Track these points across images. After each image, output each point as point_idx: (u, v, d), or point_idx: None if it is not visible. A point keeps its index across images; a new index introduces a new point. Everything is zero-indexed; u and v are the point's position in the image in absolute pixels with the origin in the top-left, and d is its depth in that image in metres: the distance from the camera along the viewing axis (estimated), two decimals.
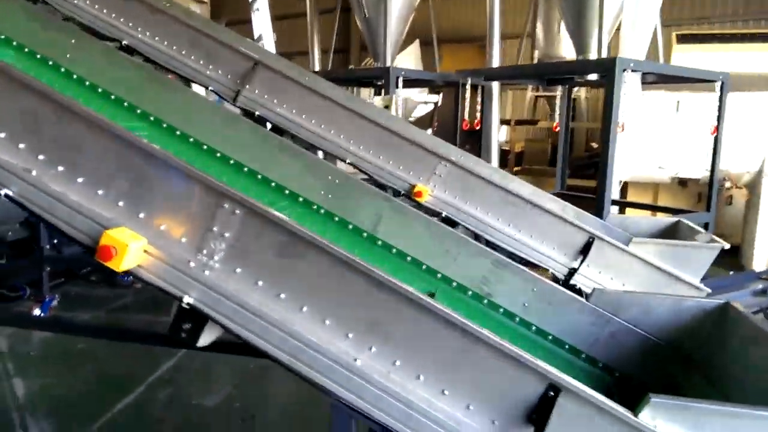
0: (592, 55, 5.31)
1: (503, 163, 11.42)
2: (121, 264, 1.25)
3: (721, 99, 5.09)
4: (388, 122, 3.92)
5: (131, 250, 1.25)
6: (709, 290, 2.96)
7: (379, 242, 2.12)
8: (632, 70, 4.20)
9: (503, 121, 9.87)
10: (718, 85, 5.05)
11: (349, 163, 3.14)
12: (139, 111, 2.23)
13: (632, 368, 2.01)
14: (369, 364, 1.29)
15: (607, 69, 4.26)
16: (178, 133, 2.20)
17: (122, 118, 2.20)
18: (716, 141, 5.10)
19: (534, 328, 2.07)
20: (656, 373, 1.98)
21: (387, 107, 5.16)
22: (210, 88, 3.22)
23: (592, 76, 5.51)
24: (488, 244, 3.11)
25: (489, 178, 3.15)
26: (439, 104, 9.46)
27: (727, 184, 6.18)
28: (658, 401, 1.19)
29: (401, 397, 1.26)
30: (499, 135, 11.65)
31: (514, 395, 1.26)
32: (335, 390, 1.27)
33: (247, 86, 3.19)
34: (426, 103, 11.87)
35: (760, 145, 5.90)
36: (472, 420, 1.27)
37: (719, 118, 5.08)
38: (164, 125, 2.20)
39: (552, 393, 1.24)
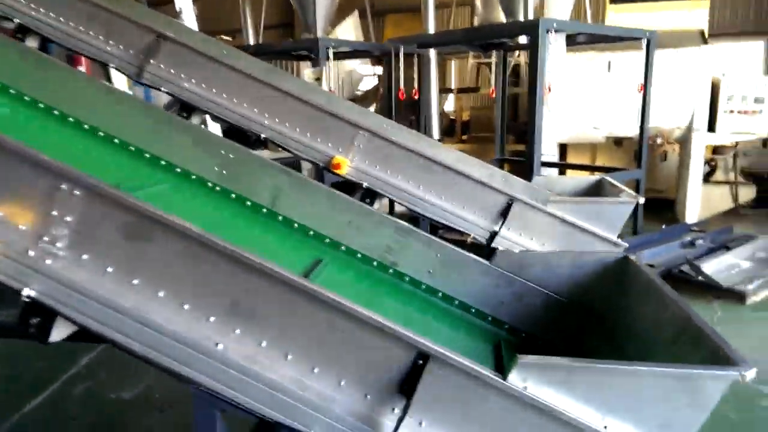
0: (520, 18, 5.28)
1: (450, 132, 11.41)
2: None
3: (647, 57, 5.14)
4: (307, 94, 3.81)
5: None
6: (626, 245, 3.00)
7: (280, 218, 2.04)
8: (556, 31, 4.18)
9: (444, 90, 9.80)
10: (644, 42, 5.10)
11: (264, 138, 3.03)
12: (12, 91, 2.06)
13: (538, 328, 2.01)
14: (233, 347, 1.22)
15: (532, 30, 4.23)
16: (56, 113, 2.04)
17: None
18: (645, 98, 5.17)
19: (440, 294, 2.04)
20: (561, 331, 1.98)
21: (318, 80, 5.02)
22: (111, 65, 3.04)
23: (524, 40, 5.48)
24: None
25: (410, 146, 3.08)
26: (381, 76, 9.34)
27: (659, 140, 6.31)
28: (526, 362, 1.17)
29: (267, 379, 1.20)
30: (444, 104, 11.64)
31: (384, 367, 1.22)
32: (196, 377, 1.20)
33: (152, 61, 3.01)
34: (373, 75, 11.71)
35: (689, 101, 6.02)
36: (344, 396, 1.22)
37: (646, 76, 5.14)
38: (40, 105, 2.04)
39: (421, 361, 1.20)
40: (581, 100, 6.07)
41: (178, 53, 3.04)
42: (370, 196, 3.09)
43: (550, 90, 4.27)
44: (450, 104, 12.34)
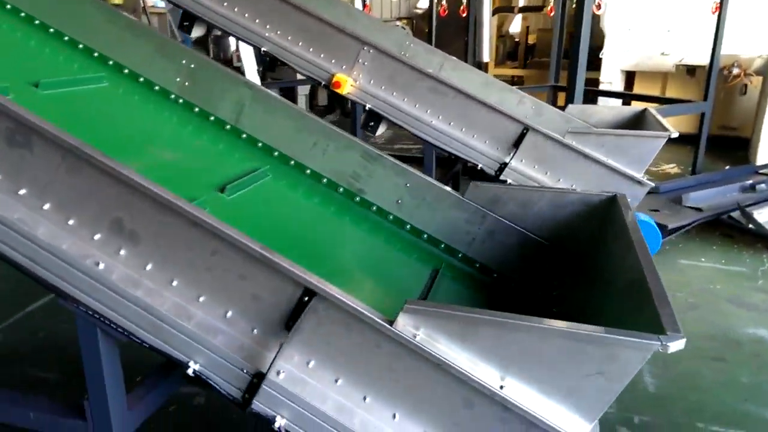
0: None
1: (513, 56, 10.70)
2: None
3: None
4: (320, 7, 3.58)
5: None
6: (651, 184, 2.69)
7: (244, 135, 1.92)
8: None
9: (503, 8, 9.07)
10: None
11: (264, 51, 2.88)
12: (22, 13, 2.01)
13: (512, 269, 1.84)
14: (115, 267, 1.15)
15: None
16: (22, 14, 1.97)
17: None
18: (719, 20, 4.54)
19: (409, 227, 1.89)
20: (537, 273, 1.81)
21: None
22: None
23: None
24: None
25: (418, 66, 2.84)
26: None
27: (735, 71, 5.58)
28: (415, 308, 1.03)
29: (147, 304, 1.13)
30: (508, 25, 10.84)
31: (272, 301, 1.12)
32: (75, 295, 1.15)
33: None
34: None
35: None
36: (230, 328, 1.14)
37: None
38: (7, 6, 1.97)
39: (306, 298, 1.08)
40: (648, 20, 5.42)
41: None
42: (373, 118, 2.92)
43: (599, 7, 3.79)
44: (516, 25, 11.50)
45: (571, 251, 1.75)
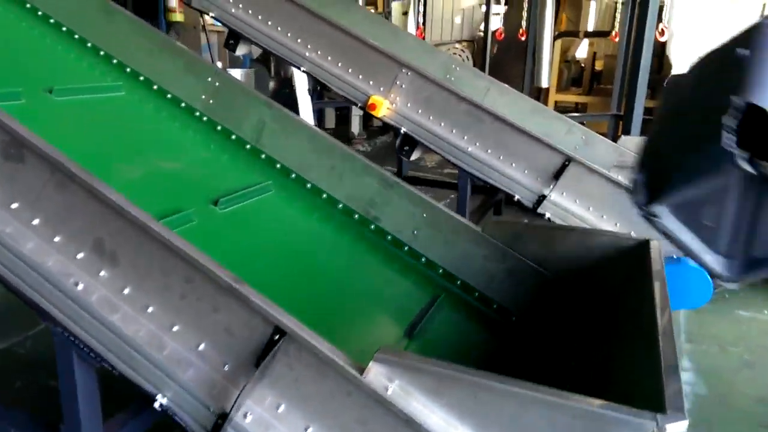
0: None
1: (578, 82, 10.39)
2: None
3: None
4: (368, 28, 3.57)
5: None
6: None
7: (263, 156, 1.89)
8: None
9: (566, 33, 8.83)
10: None
11: (303, 71, 2.88)
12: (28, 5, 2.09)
13: (532, 312, 1.71)
14: (93, 289, 1.12)
15: None
16: (64, 29, 2.04)
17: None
18: None
19: (423, 259, 1.80)
20: (559, 318, 1.66)
21: (405, 14, 4.70)
22: None
23: None
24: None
25: (456, 90, 2.76)
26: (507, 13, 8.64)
27: None
28: (386, 358, 0.93)
29: (122, 330, 1.09)
30: (575, 50, 10.54)
31: (243, 335, 1.05)
32: (54, 315, 1.12)
33: None
34: (496, 14, 10.94)
35: None
36: (201, 361, 1.08)
37: None
38: (51, 20, 2.04)
39: (277, 336, 1.01)
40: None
41: None
42: (408, 143, 2.85)
43: (662, 33, 3.58)
44: (583, 50, 11.18)
45: (596, 298, 1.61)
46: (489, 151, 2.70)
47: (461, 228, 1.74)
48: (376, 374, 0.95)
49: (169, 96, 1.94)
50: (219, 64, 5.45)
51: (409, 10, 4.65)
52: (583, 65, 10.47)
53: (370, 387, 0.94)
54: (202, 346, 1.08)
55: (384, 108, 2.75)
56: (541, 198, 2.61)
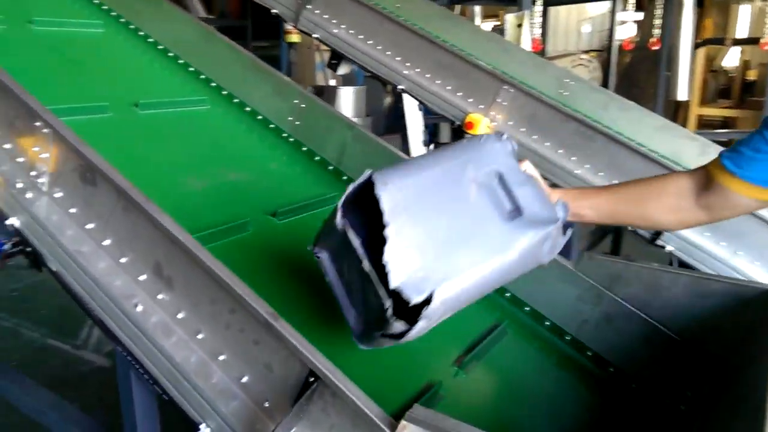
0: None
1: (726, 94, 9.36)
2: None
3: None
4: (475, 44, 3.45)
5: None
6: None
7: (345, 177, 1.86)
8: None
9: (709, 41, 7.95)
10: None
11: (401, 90, 2.83)
12: (114, 13, 2.27)
13: (634, 364, 1.49)
14: (151, 311, 1.13)
15: None
16: (161, 47, 2.18)
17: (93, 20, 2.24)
18: None
19: (509, 294, 1.65)
20: (666, 374, 1.43)
21: (519, 26, 4.49)
22: (273, 10, 3.15)
23: None
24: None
25: (562, 108, 2.56)
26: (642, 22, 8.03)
27: None
28: (418, 418, 0.82)
29: (173, 355, 1.09)
30: (722, 59, 9.51)
31: (281, 373, 1.00)
32: (118, 335, 1.15)
33: (308, 6, 3.03)
34: (629, 22, 10.24)
35: None
36: (244, 394, 1.04)
37: None
38: (140, 33, 2.20)
39: (312, 379, 0.95)
40: None
41: None
42: None
43: None
44: (733, 59, 10.05)
45: (710, 353, 1.36)
46: (600, 174, 2.46)
47: (551, 264, 1.57)
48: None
49: (259, 117, 1.98)
50: (333, 82, 5.63)
51: (523, 22, 4.44)
52: (732, 75, 9.42)
53: None
54: (245, 379, 1.04)
55: (483, 126, 2.61)
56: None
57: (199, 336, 1.09)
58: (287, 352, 0.97)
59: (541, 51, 6.12)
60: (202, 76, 2.10)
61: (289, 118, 1.94)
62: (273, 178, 1.78)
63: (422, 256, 0.94)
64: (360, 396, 0.89)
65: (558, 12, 9.26)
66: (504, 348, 1.56)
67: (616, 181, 2.44)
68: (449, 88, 2.74)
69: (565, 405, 1.47)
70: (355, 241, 1.01)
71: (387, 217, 0.94)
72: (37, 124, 1.25)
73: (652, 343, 1.45)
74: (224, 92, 2.07)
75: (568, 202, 1.19)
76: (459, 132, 2.74)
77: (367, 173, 1.00)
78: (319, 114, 1.89)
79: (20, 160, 1.31)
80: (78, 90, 1.85)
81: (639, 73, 8.04)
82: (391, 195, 0.96)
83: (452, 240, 0.99)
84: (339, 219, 1.03)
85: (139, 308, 1.13)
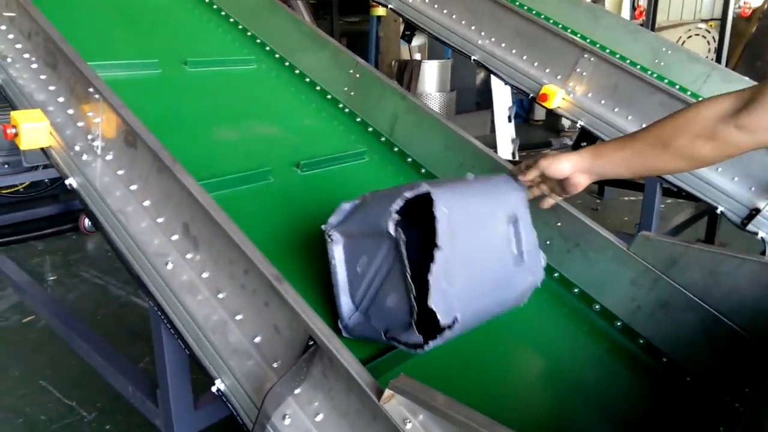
0: None
1: None
2: (21, 142, 1.40)
3: None
4: (557, 8, 3.25)
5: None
6: None
7: (396, 149, 1.82)
8: None
9: None
10: None
11: (474, 60, 2.73)
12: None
13: (690, 356, 1.35)
14: (179, 270, 1.18)
15: None
16: (222, 13, 2.26)
17: None
18: None
19: (557, 275, 1.55)
20: (726, 368, 1.29)
21: None
22: None
23: None
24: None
25: (646, 77, 2.34)
26: None
27: None
28: (401, 388, 0.80)
29: (196, 311, 1.14)
30: None
31: (286, 335, 1.01)
32: (150, 290, 1.22)
33: None
34: None
35: None
36: (257, 354, 1.07)
37: None
38: (232, 20, 2.27)
39: (312, 342, 0.95)
40: None
41: None
42: (587, 138, 2.52)
43: None
44: None
45: None
46: None
47: (604, 243, 1.45)
48: (395, 404, 0.82)
49: (318, 88, 2.00)
50: (418, 56, 5.55)
51: None
52: None
53: (387, 415, 0.81)
54: (257, 339, 1.07)
55: (558, 98, 2.46)
56: (754, 212, 2.09)
57: (220, 295, 1.13)
58: (290, 314, 0.98)
59: (646, 20, 5.64)
60: (267, 47, 2.15)
61: (345, 89, 1.93)
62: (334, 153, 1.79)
63: (456, 283, 1.02)
64: (352, 362, 0.88)
65: None
66: (549, 330, 1.48)
67: None
68: (525, 57, 2.61)
69: (614, 395, 1.37)
70: (404, 253, 1.05)
71: (440, 240, 0.99)
72: (90, 90, 1.33)
73: (710, 333, 1.30)
74: (286, 63, 2.11)
75: (587, 164, 1.21)
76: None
77: (422, 187, 1.04)
78: (373, 84, 1.86)
79: (80, 124, 1.41)
80: (149, 47, 2.01)
81: (765, 45, 7.20)
82: (448, 220, 1.02)
83: (478, 273, 1.10)
84: (392, 228, 1.05)
85: (170, 266, 1.19)
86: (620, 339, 1.45)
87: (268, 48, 2.15)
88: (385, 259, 1.09)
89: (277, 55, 2.13)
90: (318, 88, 2.02)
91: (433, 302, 0.97)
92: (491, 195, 1.21)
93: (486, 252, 1.14)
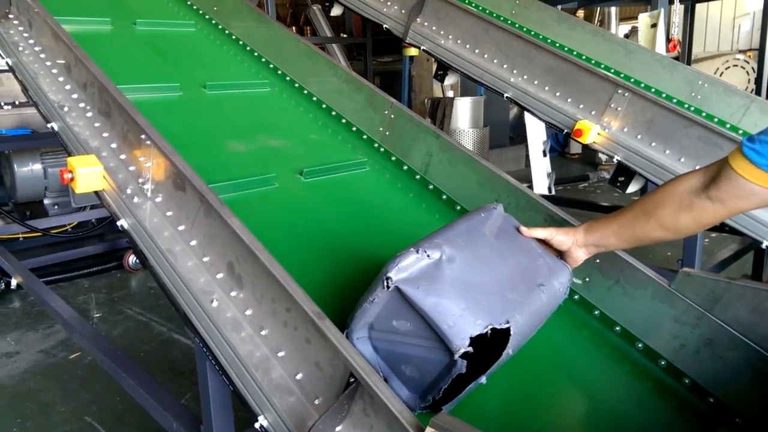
0: None
1: None
2: (76, 186, 1.48)
3: None
4: (589, 44, 3.27)
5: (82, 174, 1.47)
6: None
7: (431, 186, 1.85)
8: None
9: None
10: None
11: (507, 98, 2.76)
12: (233, 36, 2.52)
13: (739, 397, 1.31)
14: (224, 307, 1.22)
15: None
16: (271, 66, 2.38)
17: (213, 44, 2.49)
18: None
19: (597, 312, 1.53)
20: None
21: (654, 26, 4.16)
22: (385, 26, 3.25)
23: None
24: None
25: (686, 114, 2.33)
26: None
27: None
28: (441, 425, 0.80)
29: (239, 348, 1.17)
30: None
31: (328, 372, 1.03)
32: (196, 327, 1.26)
33: (417, 19, 3.09)
34: None
35: None
36: (299, 391, 1.09)
37: None
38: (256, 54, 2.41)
39: (352, 379, 0.97)
40: None
41: (442, 9, 3.02)
42: (624, 173, 2.50)
43: None
44: None
45: None
46: None
47: (644, 280, 1.44)
48: None
49: (354, 129, 2.06)
50: (450, 93, 5.63)
51: (658, 21, 4.10)
52: None
53: None
54: (299, 376, 1.09)
55: (593, 134, 2.47)
56: None
57: (263, 332, 1.16)
58: (332, 352, 1.00)
59: (681, 52, 5.61)
60: (305, 91, 2.25)
61: (380, 129, 1.99)
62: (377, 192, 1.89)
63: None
64: (392, 400, 0.89)
65: (708, 9, 8.42)
66: (591, 370, 1.46)
67: None
68: (558, 94, 2.63)
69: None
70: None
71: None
72: (143, 136, 1.41)
73: (757, 372, 1.26)
74: (323, 106, 2.19)
75: (582, 239, 1.33)
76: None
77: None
78: (407, 124, 1.91)
79: (132, 168, 1.49)
80: (190, 76, 2.17)
81: None
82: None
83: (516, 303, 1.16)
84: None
85: (215, 304, 1.23)
86: (665, 378, 1.41)
87: (305, 91, 2.24)
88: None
89: (314, 98, 2.21)
90: (354, 128, 2.08)
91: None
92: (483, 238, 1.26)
93: (514, 283, 1.19)
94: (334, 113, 2.14)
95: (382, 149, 2.00)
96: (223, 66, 2.39)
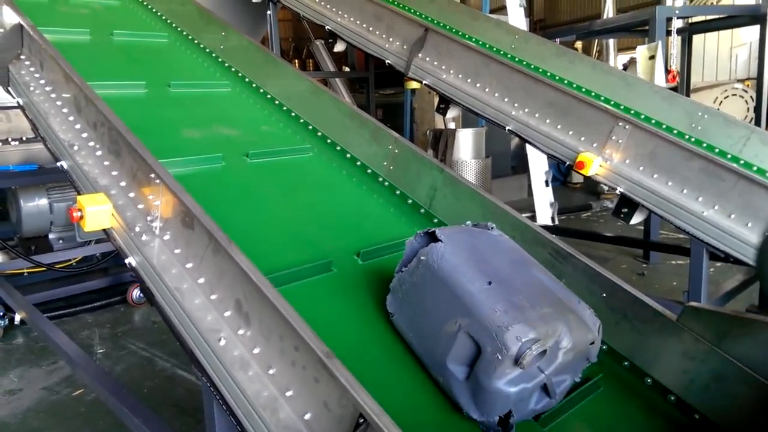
0: None
1: None
2: (85, 225, 1.50)
3: None
4: (589, 76, 3.32)
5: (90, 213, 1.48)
6: None
7: (435, 220, 1.87)
8: None
9: None
10: None
11: (509, 131, 2.80)
12: (240, 74, 2.58)
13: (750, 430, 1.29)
14: (234, 347, 1.22)
15: None
16: (276, 102, 2.42)
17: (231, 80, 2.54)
18: None
19: (606, 347, 1.52)
20: None
21: (652, 58, 4.22)
22: (387, 61, 3.30)
23: None
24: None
25: (687, 145, 2.35)
26: None
27: None
28: None
29: (247, 388, 1.17)
30: None
31: (336, 412, 1.02)
32: (203, 365, 1.26)
33: (419, 55, 3.14)
34: None
35: None
36: (308, 430, 1.08)
37: None
38: (262, 90, 2.45)
39: (362, 420, 0.96)
40: None
41: (443, 45, 3.07)
42: (627, 205, 2.51)
43: None
44: None
45: None
46: (732, 216, 2.22)
47: (649, 315, 1.44)
48: None
49: (358, 163, 2.09)
50: (452, 125, 5.70)
51: (656, 53, 4.17)
52: None
53: None
54: (307, 416, 1.08)
55: (595, 166, 2.49)
56: None
57: (271, 371, 1.15)
58: (341, 391, 1.00)
59: (680, 83, 5.68)
60: (310, 126, 2.28)
61: (384, 163, 2.01)
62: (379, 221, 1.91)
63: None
64: None
65: (705, 39, 8.56)
66: (597, 404, 1.44)
67: (751, 224, 2.18)
68: (559, 126, 2.66)
69: None
70: None
71: None
72: (152, 175, 1.43)
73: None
74: (328, 140, 2.22)
75: None
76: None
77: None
78: (411, 158, 1.94)
79: (140, 206, 1.51)
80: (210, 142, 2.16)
81: None
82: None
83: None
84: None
85: (222, 342, 1.23)
86: (675, 414, 1.40)
87: (310, 127, 2.28)
88: None
89: (319, 133, 2.25)
90: (359, 163, 2.11)
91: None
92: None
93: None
94: (339, 147, 2.16)
95: (386, 183, 2.02)
96: (263, 129, 2.41)
